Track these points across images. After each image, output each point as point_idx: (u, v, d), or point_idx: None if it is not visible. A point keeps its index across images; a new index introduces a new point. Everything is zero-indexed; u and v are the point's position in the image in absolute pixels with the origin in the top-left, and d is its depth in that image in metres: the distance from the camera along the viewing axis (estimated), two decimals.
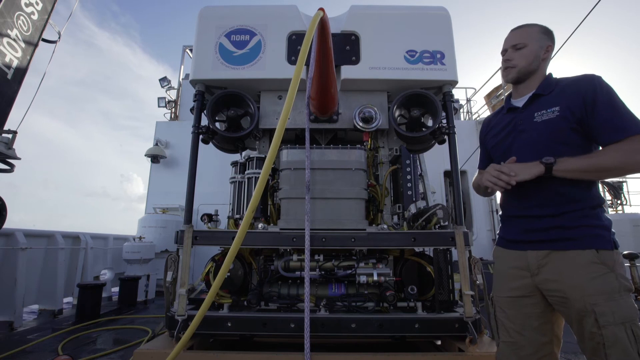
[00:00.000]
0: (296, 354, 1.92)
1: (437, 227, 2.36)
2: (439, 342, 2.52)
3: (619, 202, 10.79)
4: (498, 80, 10.09)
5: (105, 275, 6.94)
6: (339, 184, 2.43)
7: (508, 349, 1.38)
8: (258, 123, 2.66)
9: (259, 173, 2.62)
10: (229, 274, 2.40)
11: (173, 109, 10.58)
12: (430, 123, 2.68)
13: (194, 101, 2.61)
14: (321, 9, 1.67)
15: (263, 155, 2.75)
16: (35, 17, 3.99)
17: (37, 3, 4.00)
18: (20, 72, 3.87)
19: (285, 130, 1.44)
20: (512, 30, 1.54)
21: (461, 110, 10.53)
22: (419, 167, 2.81)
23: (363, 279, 2.27)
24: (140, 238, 6.34)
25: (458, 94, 11.22)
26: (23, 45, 3.86)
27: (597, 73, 1.35)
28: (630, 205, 10.73)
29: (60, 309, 5.11)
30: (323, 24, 1.73)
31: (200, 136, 2.59)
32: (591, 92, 1.29)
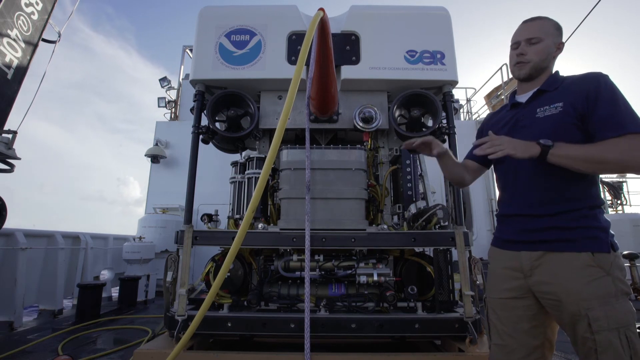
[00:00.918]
0: (296, 354, 1.93)
1: (437, 227, 2.35)
2: (438, 342, 2.52)
3: (619, 202, 10.80)
4: (498, 80, 10.08)
5: (105, 275, 6.94)
6: (339, 184, 2.43)
7: (499, 351, 1.36)
8: (258, 123, 2.66)
9: (259, 173, 2.62)
10: (229, 274, 2.40)
11: (173, 109, 10.58)
12: (430, 123, 2.68)
13: (194, 101, 2.62)
14: (321, 9, 1.67)
15: (263, 155, 2.75)
16: (35, 17, 3.99)
17: (37, 3, 4.00)
18: (20, 73, 3.87)
19: (285, 130, 1.44)
20: (526, 22, 1.47)
21: (461, 111, 10.52)
22: (419, 167, 2.80)
23: (363, 279, 2.27)
24: (140, 238, 6.34)
25: (458, 94, 11.21)
26: (23, 45, 3.86)
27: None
28: (630, 205, 10.76)
29: (61, 309, 5.11)
30: (323, 24, 1.73)
31: (200, 136, 2.60)
32: (594, 89, 1.27)
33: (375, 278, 2.26)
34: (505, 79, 9.04)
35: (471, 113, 10.83)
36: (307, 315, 1.90)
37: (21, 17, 3.81)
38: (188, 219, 2.38)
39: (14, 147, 3.89)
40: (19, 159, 3.94)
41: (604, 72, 1.32)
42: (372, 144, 2.90)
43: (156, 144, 8.82)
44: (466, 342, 2.05)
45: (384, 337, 2.38)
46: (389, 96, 2.76)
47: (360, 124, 2.64)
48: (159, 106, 10.43)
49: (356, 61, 2.59)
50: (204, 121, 2.59)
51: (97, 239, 6.71)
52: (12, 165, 3.98)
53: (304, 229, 2.09)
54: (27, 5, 3.87)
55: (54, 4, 4.23)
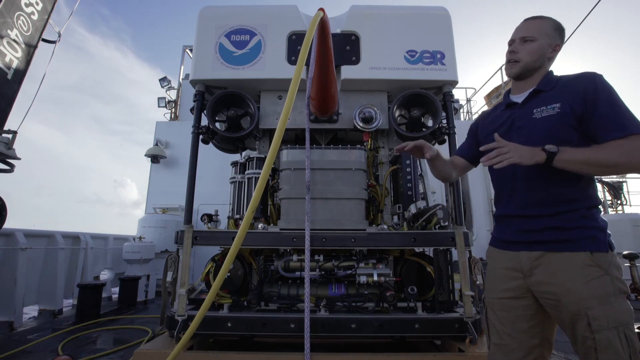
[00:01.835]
0: (296, 354, 1.93)
1: (437, 227, 2.35)
2: (438, 342, 2.52)
3: (618, 202, 10.80)
4: (498, 80, 10.10)
5: (105, 275, 6.94)
6: (339, 184, 2.43)
7: (498, 351, 1.36)
8: (258, 123, 2.67)
9: (259, 173, 2.62)
10: (229, 274, 2.40)
11: (173, 109, 10.58)
12: (430, 123, 2.68)
13: (194, 101, 2.62)
14: (321, 9, 1.67)
15: (263, 156, 2.75)
16: (35, 17, 3.99)
17: (37, 3, 4.00)
18: (20, 73, 3.87)
19: (285, 130, 1.44)
20: (525, 20, 1.47)
21: (461, 111, 10.53)
22: (419, 167, 2.80)
23: (363, 279, 2.27)
24: (140, 238, 6.34)
25: (458, 94, 11.23)
26: (23, 45, 3.86)
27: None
28: (630, 205, 10.76)
29: (60, 309, 5.11)
30: (323, 24, 1.73)
31: (200, 136, 2.60)
32: (592, 90, 1.27)
33: (375, 278, 2.26)
34: (505, 78, 9.05)
35: (471, 113, 10.84)
36: (307, 315, 1.91)
37: (21, 17, 3.81)
38: (188, 219, 2.38)
39: (14, 147, 3.89)
40: (19, 159, 3.94)
41: (604, 72, 1.32)
42: (372, 144, 2.90)
43: (156, 144, 8.82)
44: (466, 342, 2.05)
45: (384, 337, 2.38)
46: (389, 96, 2.76)
47: (360, 124, 2.64)
48: (159, 106, 10.43)
49: (356, 61, 2.59)
50: (204, 121, 2.60)
51: (97, 239, 6.70)
52: (12, 165, 3.98)
53: (304, 229, 2.09)
54: (27, 5, 3.87)
55: (54, 4, 4.23)
